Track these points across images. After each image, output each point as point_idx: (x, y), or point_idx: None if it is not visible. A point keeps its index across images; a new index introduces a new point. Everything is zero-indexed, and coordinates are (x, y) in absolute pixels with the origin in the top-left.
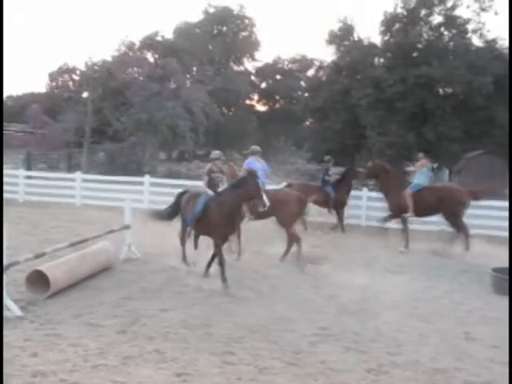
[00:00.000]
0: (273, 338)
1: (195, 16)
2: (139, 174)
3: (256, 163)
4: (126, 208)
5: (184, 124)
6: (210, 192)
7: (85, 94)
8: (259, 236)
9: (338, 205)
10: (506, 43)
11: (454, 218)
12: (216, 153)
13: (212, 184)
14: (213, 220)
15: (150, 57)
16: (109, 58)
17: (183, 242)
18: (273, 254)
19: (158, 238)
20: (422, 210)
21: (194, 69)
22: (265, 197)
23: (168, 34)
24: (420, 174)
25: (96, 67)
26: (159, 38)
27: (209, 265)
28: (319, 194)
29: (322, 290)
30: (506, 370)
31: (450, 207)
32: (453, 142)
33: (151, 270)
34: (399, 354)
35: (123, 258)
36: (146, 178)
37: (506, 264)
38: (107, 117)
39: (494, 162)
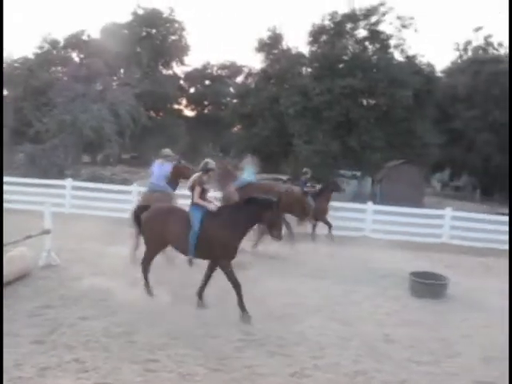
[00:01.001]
0: (197, 345)
1: (123, 17)
2: (61, 177)
3: (156, 167)
4: (45, 212)
5: (109, 127)
6: (212, 206)
7: (4, 93)
8: None
9: (317, 215)
10: (425, 59)
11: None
12: (210, 162)
13: (204, 197)
14: (221, 240)
15: (75, 56)
16: (31, 56)
17: (146, 270)
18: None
19: (79, 243)
20: None
21: (121, 71)
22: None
23: (95, 33)
24: (247, 171)
25: (16, 64)
26: (85, 38)
27: (202, 290)
28: None
29: (246, 296)
30: (422, 368)
31: None
32: (375, 151)
33: (71, 277)
34: (322, 358)
35: (42, 264)
36: (68, 182)
37: (423, 268)
38: (28, 117)
39: (413, 171)
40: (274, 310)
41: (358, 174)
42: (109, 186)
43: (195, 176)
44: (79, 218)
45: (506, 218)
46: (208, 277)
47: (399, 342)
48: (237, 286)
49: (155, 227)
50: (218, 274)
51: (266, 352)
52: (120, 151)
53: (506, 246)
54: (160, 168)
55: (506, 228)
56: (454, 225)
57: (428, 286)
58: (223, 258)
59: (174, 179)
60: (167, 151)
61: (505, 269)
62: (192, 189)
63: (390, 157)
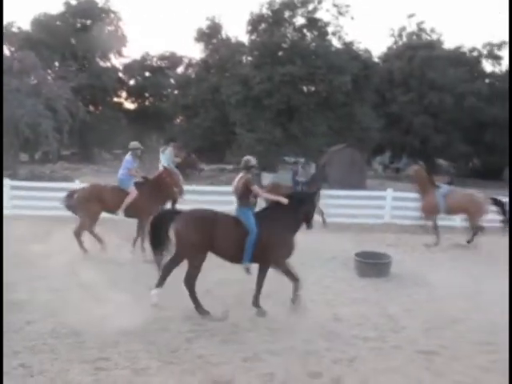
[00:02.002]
0: (149, 339)
1: (55, 7)
2: None
3: (124, 161)
4: None
5: (46, 123)
6: (283, 199)
7: None
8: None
9: None
10: (362, 46)
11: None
12: (251, 159)
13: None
14: (281, 241)
15: (6, 49)
16: None
17: (194, 291)
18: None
19: (21, 244)
20: None
21: (56, 64)
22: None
23: (25, 25)
24: (164, 156)
25: None
26: (15, 30)
27: (257, 298)
28: None
29: (197, 286)
30: (369, 344)
31: None
32: (317, 136)
33: (15, 281)
34: (274, 342)
35: None
36: (6, 182)
37: (367, 249)
38: None
39: (354, 155)
40: (225, 300)
41: (302, 159)
42: (50, 184)
43: (244, 177)
44: (20, 219)
45: None
46: (262, 281)
47: (347, 321)
48: (297, 280)
49: (199, 238)
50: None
51: (219, 341)
52: (59, 148)
53: (445, 223)
54: (124, 161)
55: None
56: (395, 205)
57: (372, 265)
58: (282, 258)
59: (183, 171)
60: (134, 144)
61: (445, 245)
62: (244, 191)
63: (332, 142)
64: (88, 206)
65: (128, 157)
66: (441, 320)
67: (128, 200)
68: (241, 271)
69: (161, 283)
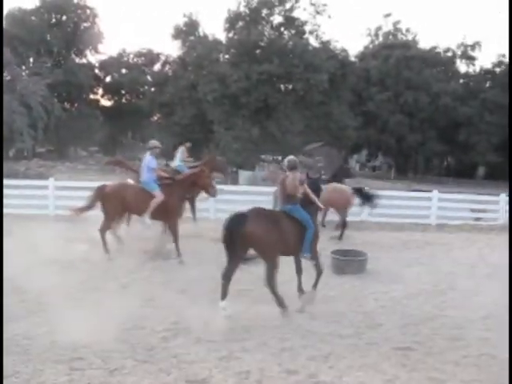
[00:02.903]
0: (123, 338)
1: (29, 2)
2: None
3: (144, 161)
4: None
5: (20, 119)
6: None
7: None
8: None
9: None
10: (339, 45)
11: None
12: (295, 159)
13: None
14: (317, 232)
15: None
16: None
17: (276, 291)
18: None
19: None
20: None
21: (31, 60)
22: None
23: None
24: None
25: None
26: None
27: (301, 286)
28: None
29: (172, 285)
30: (345, 341)
31: None
32: (295, 135)
33: None
34: (248, 339)
35: None
36: None
37: (344, 247)
38: None
39: (331, 153)
40: (199, 298)
41: (279, 158)
42: (24, 181)
43: (295, 176)
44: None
45: (420, 194)
46: (301, 270)
47: (323, 318)
48: (321, 272)
49: (276, 236)
50: (144, 269)
51: (193, 339)
52: (34, 145)
53: (421, 220)
54: (146, 162)
55: (420, 203)
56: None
57: (348, 262)
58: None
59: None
60: (154, 142)
61: (420, 242)
62: (295, 189)
63: (309, 140)
64: (110, 205)
65: (148, 156)
66: (416, 317)
67: (154, 204)
68: (213, 269)
69: (225, 294)
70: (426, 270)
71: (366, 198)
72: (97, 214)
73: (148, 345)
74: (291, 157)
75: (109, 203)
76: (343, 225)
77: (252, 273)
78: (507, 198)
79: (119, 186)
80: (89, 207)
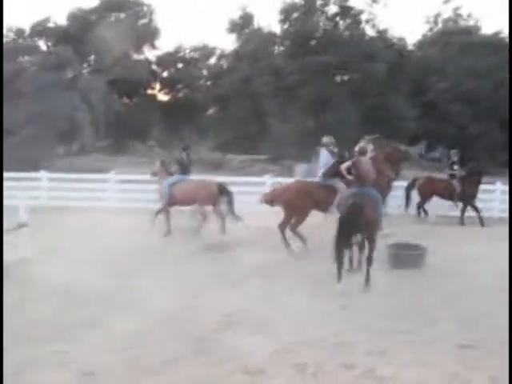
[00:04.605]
0: (178, 328)
1: (90, 2)
2: (36, 169)
3: (321, 157)
4: (20, 205)
5: (82, 115)
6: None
7: None
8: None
9: (465, 198)
10: (396, 33)
11: None
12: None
13: None
14: None
15: (43, 44)
16: None
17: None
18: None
19: (57, 236)
20: None
21: (92, 58)
22: None
23: (61, 20)
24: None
25: None
26: (51, 25)
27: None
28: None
29: (225, 278)
30: (402, 336)
31: None
32: (351, 126)
33: (51, 270)
34: (305, 333)
35: (18, 258)
36: (43, 174)
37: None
38: None
39: (389, 145)
40: (250, 292)
41: (336, 149)
42: (86, 175)
43: (366, 161)
44: (56, 211)
45: (482, 187)
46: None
47: (380, 312)
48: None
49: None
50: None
51: (248, 331)
52: (95, 140)
53: (483, 213)
54: (322, 158)
55: (482, 196)
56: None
57: (406, 256)
58: None
59: None
60: (328, 139)
61: (482, 236)
62: (372, 173)
63: (366, 131)
64: (296, 203)
65: (324, 152)
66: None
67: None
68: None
69: (341, 276)
70: (487, 265)
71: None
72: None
73: (201, 336)
74: (362, 143)
75: (297, 200)
76: (201, 221)
77: (303, 267)
78: None
79: (303, 183)
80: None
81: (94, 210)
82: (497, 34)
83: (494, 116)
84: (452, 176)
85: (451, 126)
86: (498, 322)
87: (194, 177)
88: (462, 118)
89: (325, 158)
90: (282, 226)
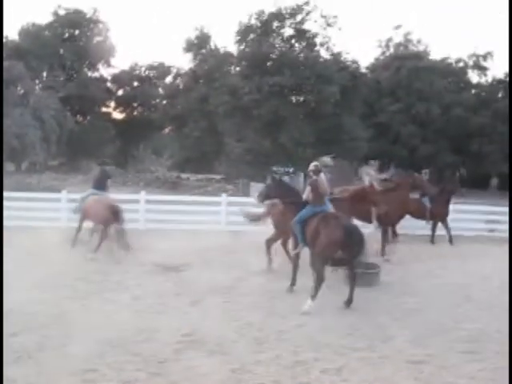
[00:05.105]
0: (136, 350)
1: (43, 17)
2: None
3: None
4: None
5: (33, 133)
6: None
7: None
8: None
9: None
10: (350, 56)
11: None
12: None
13: None
14: None
15: None
16: None
17: None
18: (132, 261)
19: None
20: None
21: (44, 74)
22: None
23: (13, 35)
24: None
25: None
26: (3, 39)
27: None
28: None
29: (184, 297)
30: (358, 354)
31: None
32: (306, 147)
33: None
34: (261, 352)
35: None
36: None
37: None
38: None
39: (342, 166)
40: (211, 310)
41: (291, 170)
42: (37, 194)
43: (322, 180)
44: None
45: None
46: None
47: (336, 330)
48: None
49: None
50: (155, 282)
51: (206, 351)
52: (46, 158)
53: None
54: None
55: None
56: None
57: (360, 275)
58: None
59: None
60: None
61: (433, 254)
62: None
63: (321, 152)
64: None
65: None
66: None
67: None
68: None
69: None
70: (439, 282)
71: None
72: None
73: (161, 357)
74: (315, 162)
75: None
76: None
77: (263, 285)
78: None
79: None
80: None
81: (45, 230)
82: (445, 59)
83: (443, 138)
84: (422, 196)
85: (403, 147)
86: (450, 337)
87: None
88: (412, 139)
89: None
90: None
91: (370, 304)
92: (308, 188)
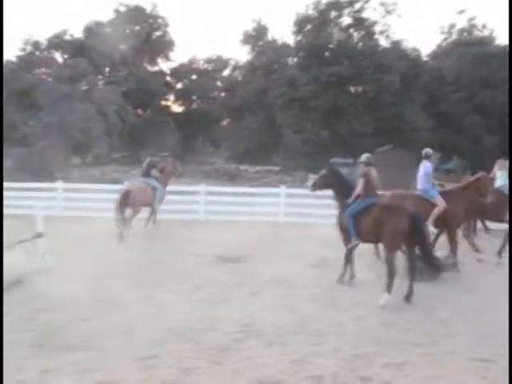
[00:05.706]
0: (196, 339)
1: (106, 15)
2: (51, 179)
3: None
4: (37, 215)
5: (97, 127)
6: None
7: None
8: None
9: None
10: (410, 44)
11: None
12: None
13: None
14: None
15: (59, 57)
16: (13, 58)
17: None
18: (192, 252)
19: (74, 245)
20: None
21: (107, 69)
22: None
23: (77, 33)
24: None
25: None
26: (68, 37)
27: None
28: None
29: (244, 287)
30: (420, 350)
31: None
32: (365, 137)
33: (67, 280)
34: (321, 344)
35: (36, 268)
36: (59, 184)
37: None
38: (12, 120)
39: (402, 156)
40: (269, 302)
41: (350, 161)
42: (100, 185)
43: (374, 172)
44: (71, 221)
45: None
46: None
47: (397, 325)
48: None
49: None
50: (216, 271)
51: (266, 342)
52: (109, 151)
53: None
54: (424, 170)
55: None
56: None
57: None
58: None
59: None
60: (429, 151)
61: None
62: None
63: (380, 142)
64: None
65: (427, 163)
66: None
67: (436, 212)
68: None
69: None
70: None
71: None
72: None
73: (221, 346)
74: (366, 154)
75: None
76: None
77: (325, 276)
78: None
79: (398, 194)
80: None
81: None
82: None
83: (508, 128)
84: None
85: (465, 137)
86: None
87: None
88: (476, 129)
89: (428, 168)
90: None
91: (432, 299)
92: (361, 180)
